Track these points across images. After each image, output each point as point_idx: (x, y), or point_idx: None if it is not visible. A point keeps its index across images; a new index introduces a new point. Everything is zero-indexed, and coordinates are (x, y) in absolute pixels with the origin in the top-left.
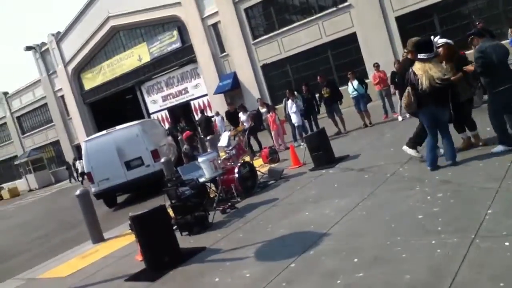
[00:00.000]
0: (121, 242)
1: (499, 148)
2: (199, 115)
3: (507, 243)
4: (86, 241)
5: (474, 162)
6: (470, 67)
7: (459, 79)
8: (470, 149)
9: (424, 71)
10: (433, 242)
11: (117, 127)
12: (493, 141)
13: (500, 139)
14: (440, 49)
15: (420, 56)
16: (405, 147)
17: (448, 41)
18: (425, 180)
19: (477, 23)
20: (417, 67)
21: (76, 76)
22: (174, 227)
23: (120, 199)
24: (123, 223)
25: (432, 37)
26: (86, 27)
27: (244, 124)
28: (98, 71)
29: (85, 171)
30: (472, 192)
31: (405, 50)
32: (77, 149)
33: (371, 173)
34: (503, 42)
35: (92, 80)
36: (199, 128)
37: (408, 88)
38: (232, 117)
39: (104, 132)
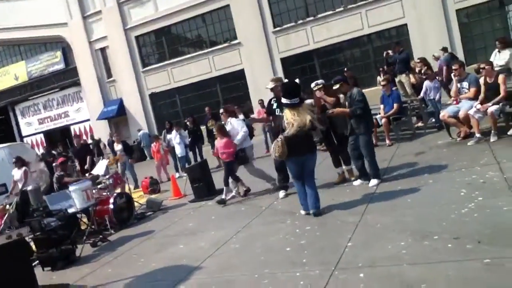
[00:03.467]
0: None
1: (375, 181)
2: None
3: (361, 275)
4: None
5: (340, 197)
6: (343, 110)
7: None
8: (344, 183)
9: (295, 118)
10: (298, 274)
11: None
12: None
13: (374, 173)
14: (321, 88)
15: (289, 101)
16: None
17: (322, 81)
18: (296, 214)
19: (345, 69)
20: (288, 114)
21: None
22: (36, 262)
23: None
24: None
25: (297, 81)
26: None
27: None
28: None
29: None
30: (336, 225)
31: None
32: None
33: (248, 205)
34: (374, 88)
35: None
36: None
37: (281, 137)
38: (79, 154)
39: None
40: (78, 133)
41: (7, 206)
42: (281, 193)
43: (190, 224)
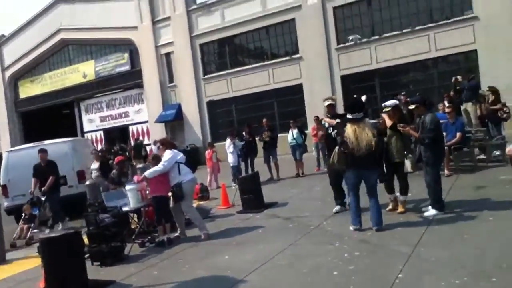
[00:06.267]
0: (24, 265)
1: (433, 212)
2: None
3: None
4: None
5: (393, 225)
6: (413, 132)
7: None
8: (395, 211)
9: (357, 132)
10: None
11: (46, 142)
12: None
13: (434, 204)
14: (390, 111)
15: (352, 116)
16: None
17: (396, 102)
18: (345, 237)
19: (402, 93)
20: (350, 129)
21: (13, 83)
22: (86, 256)
23: None
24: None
25: (363, 97)
26: (34, 35)
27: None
28: (38, 81)
29: (1, 183)
30: (387, 255)
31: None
32: None
33: (296, 223)
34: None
35: (30, 89)
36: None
37: (337, 148)
38: (39, 173)
39: (30, 144)
40: (135, 133)
41: None
42: (336, 208)
43: (236, 235)
